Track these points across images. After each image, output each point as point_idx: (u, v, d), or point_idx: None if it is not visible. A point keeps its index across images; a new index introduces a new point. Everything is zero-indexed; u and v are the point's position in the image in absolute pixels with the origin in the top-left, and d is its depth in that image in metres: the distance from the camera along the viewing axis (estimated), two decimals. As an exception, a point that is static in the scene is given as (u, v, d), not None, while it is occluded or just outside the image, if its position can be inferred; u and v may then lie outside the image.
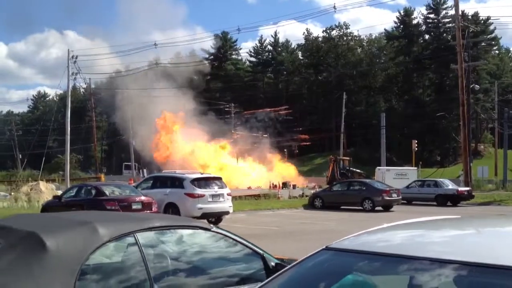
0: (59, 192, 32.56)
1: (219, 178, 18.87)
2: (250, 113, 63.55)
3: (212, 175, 19.92)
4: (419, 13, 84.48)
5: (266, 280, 2.45)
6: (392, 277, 2.23)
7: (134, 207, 15.44)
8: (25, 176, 58.05)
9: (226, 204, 17.87)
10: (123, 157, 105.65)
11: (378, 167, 40.69)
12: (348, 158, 51.64)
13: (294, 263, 2.43)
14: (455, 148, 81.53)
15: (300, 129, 66.71)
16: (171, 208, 17.23)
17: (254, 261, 4.13)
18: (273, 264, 4.11)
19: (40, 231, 3.37)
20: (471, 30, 46.03)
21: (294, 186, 44.00)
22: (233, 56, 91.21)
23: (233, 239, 4.16)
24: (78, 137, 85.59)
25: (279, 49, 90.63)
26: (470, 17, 74.20)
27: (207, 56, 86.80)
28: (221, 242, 4.15)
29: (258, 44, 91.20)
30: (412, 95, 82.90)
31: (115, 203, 15.28)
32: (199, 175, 18.19)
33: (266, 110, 62.02)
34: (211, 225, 4.32)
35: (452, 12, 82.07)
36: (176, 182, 17.81)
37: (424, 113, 79.14)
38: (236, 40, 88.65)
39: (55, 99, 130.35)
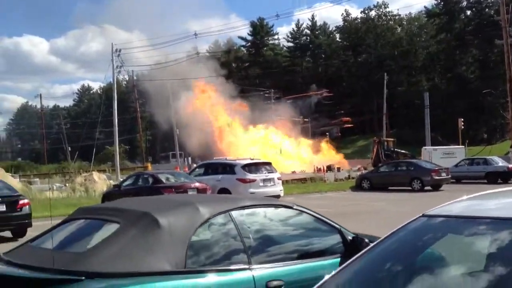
0: (111, 182, 33.83)
1: (269, 163, 19.31)
2: (290, 98, 63.64)
3: (261, 161, 20.36)
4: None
5: (372, 245, 2.79)
6: (483, 237, 2.53)
7: (190, 192, 16.02)
8: (76, 167, 60.19)
9: (277, 188, 18.29)
10: (166, 146, 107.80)
11: (424, 147, 40.32)
12: (392, 139, 51.18)
13: (394, 230, 2.76)
14: (502, 124, 79.48)
15: (342, 112, 66.36)
16: (224, 193, 17.75)
17: (333, 235, 4.48)
18: (350, 238, 4.47)
19: (153, 211, 3.85)
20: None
21: (338, 169, 44.01)
22: (270, 42, 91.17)
23: (312, 215, 4.57)
24: (124, 128, 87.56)
25: (317, 32, 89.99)
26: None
27: (244, 43, 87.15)
28: (303, 218, 4.55)
29: (295, 29, 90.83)
30: (455, 72, 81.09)
31: (171, 190, 15.90)
32: (249, 161, 18.65)
33: (306, 94, 61.93)
34: (293, 203, 4.71)
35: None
36: (227, 168, 18.34)
37: (468, 90, 77.41)
38: (273, 26, 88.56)
39: (99, 91, 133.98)
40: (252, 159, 19.19)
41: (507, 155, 39.82)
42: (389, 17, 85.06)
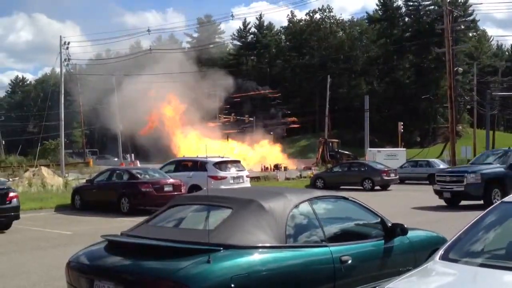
0: (59, 177, 33.32)
1: (238, 161, 20.03)
2: (237, 96, 64.34)
3: (231, 159, 21.00)
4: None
5: (465, 228, 3.66)
6: None
7: (166, 189, 16.49)
8: (13, 162, 58.19)
9: (246, 185, 18.99)
10: (105, 141, 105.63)
11: (369, 149, 42.24)
12: (336, 140, 53.21)
13: (480, 215, 3.69)
14: (434, 129, 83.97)
15: (289, 112, 67.87)
16: (195, 190, 18.23)
17: (377, 222, 5.56)
18: (389, 224, 5.55)
19: (257, 198, 4.79)
20: (454, 15, 47.48)
21: (285, 168, 45.33)
22: (217, 40, 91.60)
23: (362, 205, 5.63)
24: (59, 122, 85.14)
25: (265, 32, 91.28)
26: (448, 0, 75.84)
27: (189, 40, 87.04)
28: (355, 207, 5.59)
29: (242, 27, 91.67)
30: (393, 77, 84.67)
31: (149, 185, 16.30)
32: (220, 159, 19.25)
33: (253, 93, 62.86)
34: (348, 196, 5.74)
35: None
36: (198, 165, 18.85)
37: (404, 95, 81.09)
38: (220, 23, 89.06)
39: (33, 83, 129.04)
40: (222, 157, 19.80)
41: (443, 158, 42.50)
42: (332, 21, 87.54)
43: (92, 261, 4.51)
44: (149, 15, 73.08)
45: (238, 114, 63.27)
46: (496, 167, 17.23)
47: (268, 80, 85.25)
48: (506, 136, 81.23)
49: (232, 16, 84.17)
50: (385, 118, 75.43)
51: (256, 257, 4.25)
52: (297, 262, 4.50)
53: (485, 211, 3.87)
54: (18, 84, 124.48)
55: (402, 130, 49.24)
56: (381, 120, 76.28)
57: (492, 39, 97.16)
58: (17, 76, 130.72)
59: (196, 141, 49.97)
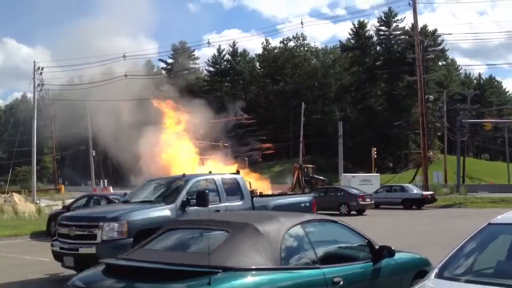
0: (31, 204, 32.73)
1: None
2: (213, 121, 64.32)
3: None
4: (372, 26, 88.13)
5: (457, 248, 3.83)
6: None
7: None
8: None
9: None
10: (76, 167, 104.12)
11: (344, 174, 42.75)
12: (311, 165, 53.39)
13: (469, 236, 3.87)
14: (406, 154, 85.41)
15: (264, 138, 68.21)
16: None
17: (365, 244, 5.73)
18: (377, 247, 5.71)
19: (252, 222, 4.93)
20: (425, 44, 48.90)
21: (261, 193, 45.25)
22: (191, 66, 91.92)
23: (350, 228, 5.80)
24: (30, 148, 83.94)
25: (238, 58, 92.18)
26: (419, 30, 78.06)
27: (164, 66, 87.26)
28: (344, 230, 5.77)
29: (216, 54, 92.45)
30: (365, 104, 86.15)
31: (127, 211, 16.12)
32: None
33: (228, 118, 62.89)
34: (337, 220, 5.94)
35: (401, 25, 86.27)
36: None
37: (377, 121, 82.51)
38: (194, 50, 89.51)
39: (2, 108, 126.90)
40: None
41: (415, 183, 43.25)
42: (306, 49, 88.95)
43: (91, 284, 4.52)
44: (121, 40, 73.60)
45: (213, 140, 63.25)
46: (158, 208, 9.95)
47: (242, 106, 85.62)
48: (475, 161, 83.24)
49: (209, 43, 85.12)
50: (358, 144, 76.39)
51: (253, 279, 4.35)
52: (292, 283, 4.63)
53: (474, 232, 4.11)
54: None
55: (375, 156, 49.90)
56: (354, 146, 77.23)
57: (461, 68, 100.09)
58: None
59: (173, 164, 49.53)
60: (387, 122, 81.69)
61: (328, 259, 5.17)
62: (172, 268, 4.29)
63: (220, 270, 4.20)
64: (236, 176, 11.98)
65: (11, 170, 44.91)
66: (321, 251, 5.20)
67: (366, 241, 5.73)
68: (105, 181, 67.34)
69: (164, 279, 4.17)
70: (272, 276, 4.50)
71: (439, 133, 77.10)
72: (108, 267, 4.67)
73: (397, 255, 5.87)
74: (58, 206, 27.91)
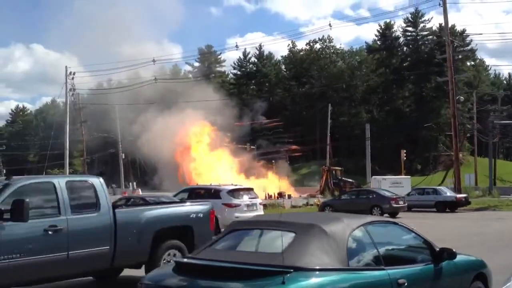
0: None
1: (251, 189, 20.13)
2: (239, 124, 64.65)
3: (244, 186, 21.10)
4: (399, 27, 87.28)
5: None
6: None
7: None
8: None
9: (259, 213, 19.06)
10: (104, 170, 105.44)
11: (374, 177, 42.37)
12: (340, 168, 53.28)
13: None
14: (435, 157, 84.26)
15: (291, 140, 68.20)
16: (209, 218, 18.29)
17: (425, 246, 5.77)
18: (437, 249, 5.74)
19: (318, 223, 4.98)
20: (454, 45, 48.25)
21: (289, 196, 45.29)
22: (217, 69, 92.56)
23: (410, 229, 5.84)
24: (61, 151, 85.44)
25: (265, 61, 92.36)
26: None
27: (191, 69, 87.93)
28: (404, 232, 5.82)
29: (242, 57, 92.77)
30: (392, 106, 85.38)
31: (166, 213, 16.29)
32: (233, 187, 19.36)
33: (257, 122, 63.16)
34: (398, 221, 6.02)
35: (428, 25, 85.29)
36: (212, 193, 18.94)
37: (404, 123, 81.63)
38: (220, 53, 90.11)
39: (32, 112, 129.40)
40: (236, 185, 19.91)
41: (444, 185, 42.61)
42: (332, 50, 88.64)
43: (163, 282, 4.64)
44: (146, 45, 74.35)
45: (239, 142, 63.47)
46: None
47: (268, 109, 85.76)
48: (506, 164, 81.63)
49: (237, 46, 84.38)
50: (386, 146, 75.69)
51: (323, 279, 4.40)
52: (360, 284, 4.66)
53: None
54: (18, 114, 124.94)
55: (405, 158, 49.42)
56: (381, 148, 76.55)
57: (490, 68, 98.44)
58: (18, 105, 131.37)
59: (204, 169, 50.07)
60: (415, 124, 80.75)
61: (391, 260, 5.19)
62: (245, 267, 4.36)
63: (292, 270, 4.25)
64: (91, 179, 8.68)
65: (44, 173, 45.68)
66: (384, 252, 5.23)
67: (426, 243, 5.76)
68: (134, 183, 68.07)
69: (238, 279, 4.25)
70: (341, 276, 4.55)
71: (468, 135, 75.89)
72: (181, 266, 4.77)
73: (456, 258, 5.86)
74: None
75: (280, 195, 45.70)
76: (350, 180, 50.66)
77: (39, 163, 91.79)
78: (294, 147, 66.98)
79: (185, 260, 4.91)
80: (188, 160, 53.35)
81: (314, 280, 4.32)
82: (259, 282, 4.16)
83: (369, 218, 5.63)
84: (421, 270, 5.45)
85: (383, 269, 4.92)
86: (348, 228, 5.01)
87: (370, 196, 27.58)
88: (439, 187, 33.30)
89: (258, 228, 5.41)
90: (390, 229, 5.80)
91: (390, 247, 5.54)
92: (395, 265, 5.12)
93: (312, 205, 33.69)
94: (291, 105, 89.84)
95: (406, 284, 4.96)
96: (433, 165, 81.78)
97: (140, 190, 57.69)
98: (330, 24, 57.18)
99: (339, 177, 50.21)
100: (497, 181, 63.30)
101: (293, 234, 4.83)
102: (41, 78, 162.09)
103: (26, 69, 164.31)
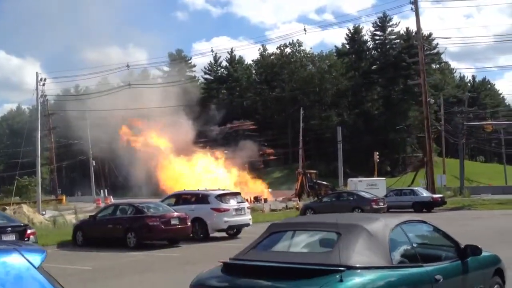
0: (39, 215, 32.65)
1: (239, 193, 20.16)
2: (210, 129, 64.55)
3: (232, 191, 21.10)
4: (367, 31, 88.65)
5: None
6: None
7: (172, 222, 16.48)
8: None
9: (247, 217, 19.13)
10: (73, 177, 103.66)
11: (350, 179, 42.92)
12: (314, 171, 53.72)
13: None
14: (403, 158, 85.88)
15: (266, 144, 68.35)
16: (197, 222, 18.25)
17: (452, 243, 6.00)
18: (462, 246, 5.95)
19: (360, 223, 5.15)
20: (424, 48, 49.21)
21: (265, 200, 45.42)
22: (187, 73, 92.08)
23: (438, 228, 6.09)
24: (29, 159, 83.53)
25: (236, 65, 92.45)
26: (414, 34, 78.64)
27: (161, 74, 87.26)
28: (433, 230, 6.08)
29: (213, 61, 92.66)
30: (361, 108, 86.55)
31: (156, 219, 16.25)
32: (221, 191, 19.35)
33: (229, 125, 63.14)
34: (427, 220, 6.16)
35: (396, 29, 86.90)
36: (200, 198, 18.90)
37: (373, 125, 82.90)
38: (191, 58, 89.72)
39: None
40: (223, 190, 19.90)
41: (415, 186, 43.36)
42: (302, 54, 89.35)
43: (218, 283, 4.67)
44: (111, 50, 73.24)
45: (212, 146, 63.27)
46: None
47: (240, 113, 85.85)
48: (471, 164, 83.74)
49: (212, 50, 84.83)
50: (356, 148, 76.67)
51: (373, 276, 4.55)
52: (404, 280, 4.83)
53: None
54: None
55: (378, 160, 50.18)
56: (352, 150, 77.40)
57: (455, 71, 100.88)
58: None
59: (176, 173, 49.79)
60: (383, 126, 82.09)
61: (426, 257, 5.39)
62: (299, 267, 4.46)
63: (345, 269, 4.37)
64: None
65: (15, 181, 44.65)
66: (420, 249, 5.44)
67: (452, 240, 5.99)
68: (105, 191, 67.05)
69: (292, 277, 4.35)
70: (388, 273, 4.72)
71: (434, 136, 77.33)
72: (229, 268, 4.82)
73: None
74: (72, 216, 27.93)
75: (256, 199, 45.77)
76: (325, 183, 51.16)
77: (5, 172, 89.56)
78: (269, 150, 67.16)
79: (236, 261, 4.95)
80: (162, 165, 53.00)
81: (366, 277, 4.46)
82: (315, 281, 4.25)
83: (403, 218, 5.80)
84: (452, 266, 5.66)
85: (422, 266, 5.11)
86: (387, 227, 5.18)
87: (351, 198, 27.97)
88: (416, 188, 33.93)
89: (298, 229, 5.51)
90: (420, 227, 6.06)
91: (423, 245, 5.79)
92: (430, 262, 5.31)
93: (291, 208, 33.89)
94: (262, 109, 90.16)
95: (441, 280, 5.14)
96: (402, 166, 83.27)
97: (111, 197, 56.92)
98: (304, 29, 58.80)
99: (314, 180, 50.61)
100: (465, 181, 64.93)
101: (337, 235, 4.95)
102: (2, 84, 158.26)
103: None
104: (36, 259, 2.89)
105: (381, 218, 5.40)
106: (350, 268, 4.44)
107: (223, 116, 79.25)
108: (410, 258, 5.17)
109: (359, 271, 4.49)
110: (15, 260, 2.81)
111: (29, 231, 12.34)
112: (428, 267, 5.14)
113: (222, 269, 4.83)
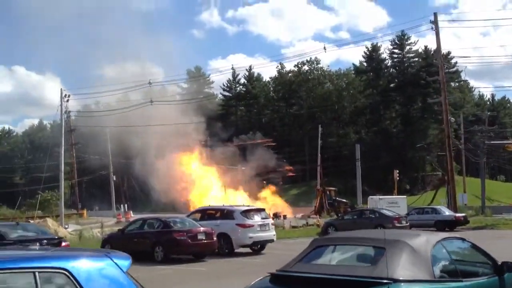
0: (63, 229, 33.12)
1: (263, 209, 20.38)
2: (234, 145, 64.95)
3: (257, 207, 21.31)
4: (385, 49, 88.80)
5: None
6: None
7: (199, 237, 16.72)
8: (4, 213, 57.50)
9: (271, 233, 19.31)
10: (91, 192, 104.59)
11: (370, 197, 42.75)
12: (334, 188, 53.70)
13: None
14: (423, 176, 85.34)
15: (284, 161, 68.46)
16: (222, 237, 18.45)
17: (489, 260, 6.15)
18: (499, 263, 6.11)
19: (403, 238, 5.38)
20: (445, 67, 49.23)
21: (284, 217, 45.38)
22: (206, 90, 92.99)
23: (475, 245, 6.26)
24: (51, 174, 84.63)
25: (254, 82, 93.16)
26: (432, 52, 78.61)
27: (180, 91, 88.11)
28: (470, 247, 6.24)
29: (231, 78, 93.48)
30: (380, 126, 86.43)
31: (183, 233, 16.50)
32: (246, 207, 19.57)
33: (251, 142, 63.45)
34: (465, 237, 6.33)
35: (415, 48, 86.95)
36: (226, 214, 19.12)
37: (392, 143, 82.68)
38: (209, 75, 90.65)
39: (19, 134, 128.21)
40: (248, 206, 20.13)
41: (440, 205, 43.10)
42: (320, 72, 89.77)
43: None
44: (128, 66, 74.20)
45: (230, 164, 63.55)
46: None
47: (258, 130, 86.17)
48: (492, 183, 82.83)
49: (233, 68, 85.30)
50: (374, 166, 76.41)
51: None
52: None
53: None
54: (4, 136, 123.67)
55: (398, 178, 49.99)
56: (369, 168, 77.11)
57: (474, 90, 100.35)
58: (3, 127, 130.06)
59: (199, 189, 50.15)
60: (402, 144, 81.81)
61: (465, 273, 5.60)
62: (348, 279, 4.67)
63: (391, 282, 4.60)
64: None
65: (39, 196, 45.32)
66: (459, 265, 5.65)
67: (489, 257, 6.17)
68: (125, 205, 67.58)
69: None
70: (430, 287, 4.93)
71: (453, 154, 76.63)
72: (276, 279, 5.04)
73: None
74: (97, 229, 28.35)
75: (275, 215, 45.75)
76: (344, 200, 51.10)
77: (27, 186, 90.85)
78: (288, 167, 67.26)
79: (284, 273, 5.17)
80: (185, 182, 53.43)
81: None
82: None
83: (443, 235, 6.13)
84: (489, 282, 5.83)
85: (461, 281, 5.32)
86: (429, 243, 5.41)
87: (373, 216, 27.93)
88: (438, 207, 33.77)
89: (344, 244, 5.71)
90: (459, 244, 6.26)
91: (462, 260, 5.97)
92: (468, 277, 5.52)
93: (312, 225, 33.89)
94: (279, 126, 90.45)
95: None
96: (421, 184, 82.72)
97: (131, 212, 57.34)
98: (324, 48, 58.32)
99: (334, 198, 50.57)
100: (485, 200, 64.22)
101: (382, 250, 5.16)
102: (22, 100, 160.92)
103: (7, 91, 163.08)
104: (124, 264, 3.14)
105: (423, 235, 5.64)
106: (396, 281, 4.66)
107: (241, 132, 79.83)
108: (450, 273, 5.38)
109: (403, 284, 4.69)
110: (108, 265, 3.06)
111: (63, 244, 12.65)
112: (467, 282, 5.35)
113: (270, 280, 5.05)
